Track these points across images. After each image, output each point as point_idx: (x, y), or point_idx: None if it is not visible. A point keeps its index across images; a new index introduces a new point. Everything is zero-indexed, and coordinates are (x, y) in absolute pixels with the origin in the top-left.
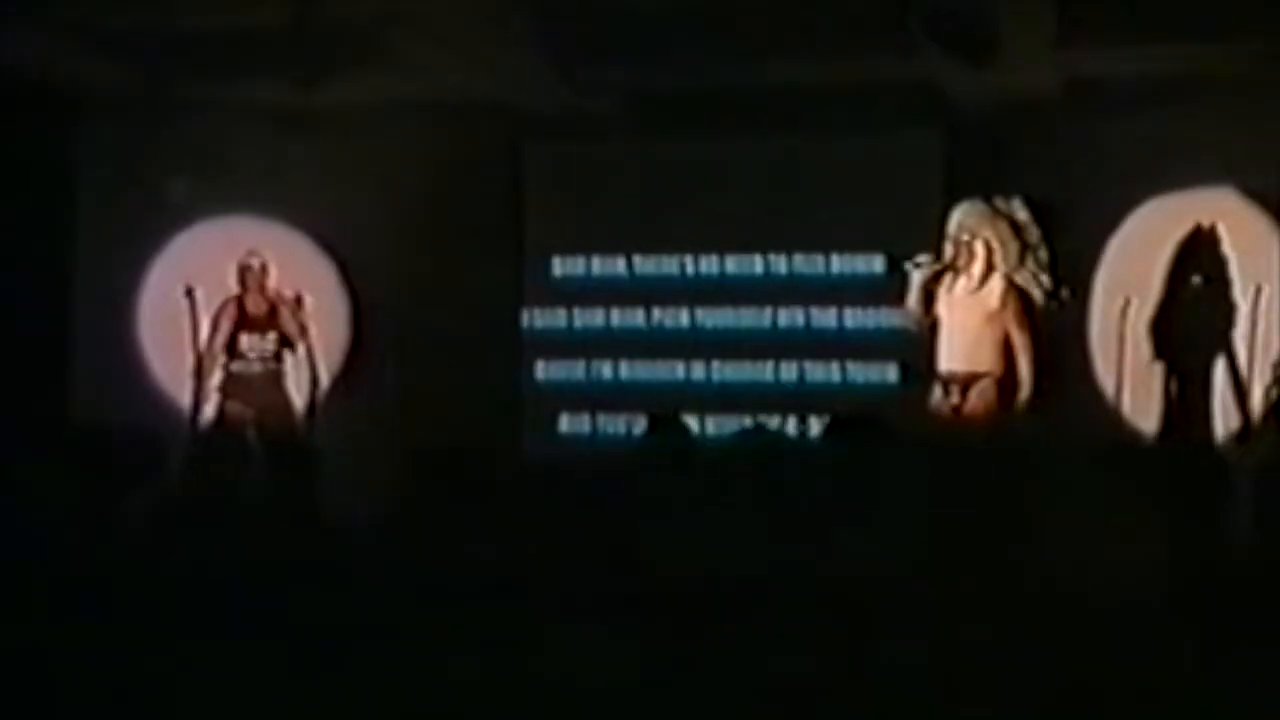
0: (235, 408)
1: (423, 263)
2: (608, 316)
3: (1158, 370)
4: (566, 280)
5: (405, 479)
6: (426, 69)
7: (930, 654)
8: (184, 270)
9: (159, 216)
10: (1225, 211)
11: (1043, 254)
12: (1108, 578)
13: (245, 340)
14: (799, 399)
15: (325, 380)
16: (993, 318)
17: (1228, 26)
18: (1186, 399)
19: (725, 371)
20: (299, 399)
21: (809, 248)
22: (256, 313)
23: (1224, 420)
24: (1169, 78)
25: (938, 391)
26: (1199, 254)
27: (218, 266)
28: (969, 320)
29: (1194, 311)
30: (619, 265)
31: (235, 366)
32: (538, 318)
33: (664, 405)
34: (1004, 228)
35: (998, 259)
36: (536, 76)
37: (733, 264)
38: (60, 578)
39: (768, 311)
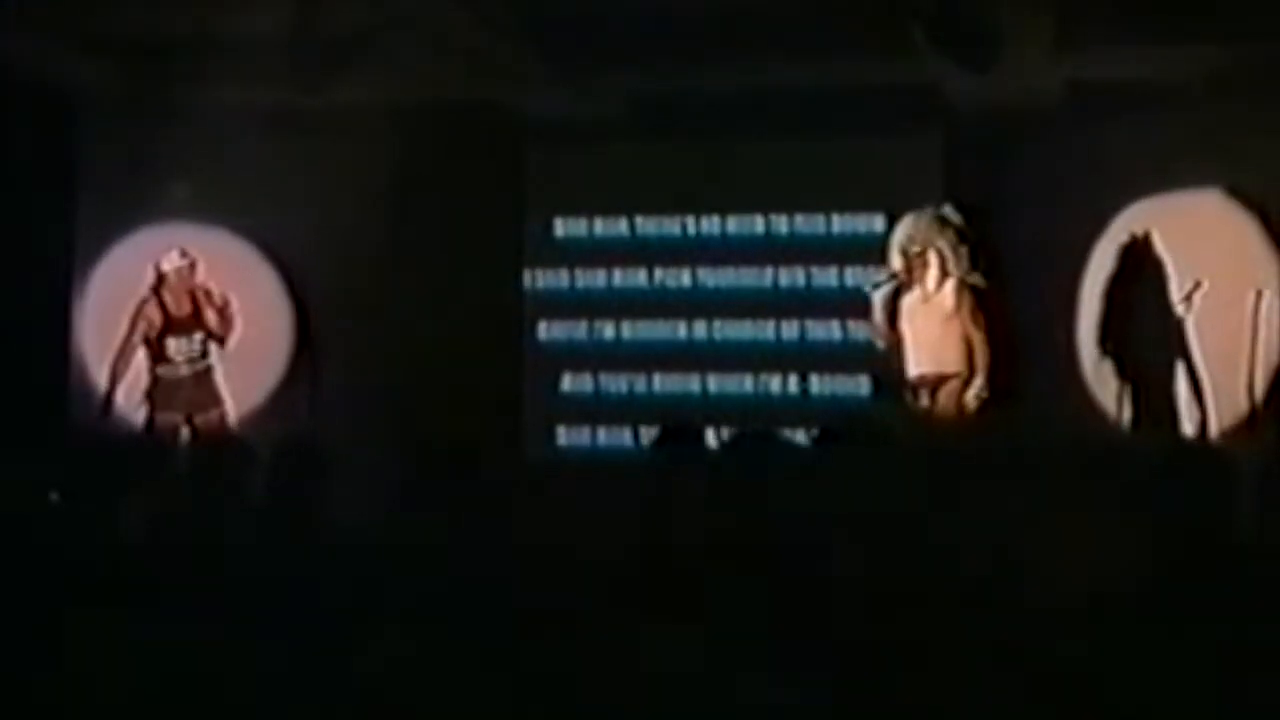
0: (165, 417)
1: (426, 228)
2: (610, 277)
3: (1110, 373)
4: (568, 241)
5: (409, 449)
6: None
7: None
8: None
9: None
10: (1219, 214)
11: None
12: (1091, 576)
13: (172, 344)
14: (800, 358)
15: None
16: (949, 319)
17: (1224, 30)
18: (1147, 402)
19: (726, 330)
20: (230, 397)
21: (810, 207)
22: (180, 314)
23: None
24: (1164, 81)
25: (908, 398)
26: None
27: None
28: (929, 325)
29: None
30: (621, 226)
31: (162, 371)
32: (540, 278)
33: (666, 365)
34: (951, 235)
35: (950, 266)
36: (540, 71)
37: (734, 224)
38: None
39: (769, 271)
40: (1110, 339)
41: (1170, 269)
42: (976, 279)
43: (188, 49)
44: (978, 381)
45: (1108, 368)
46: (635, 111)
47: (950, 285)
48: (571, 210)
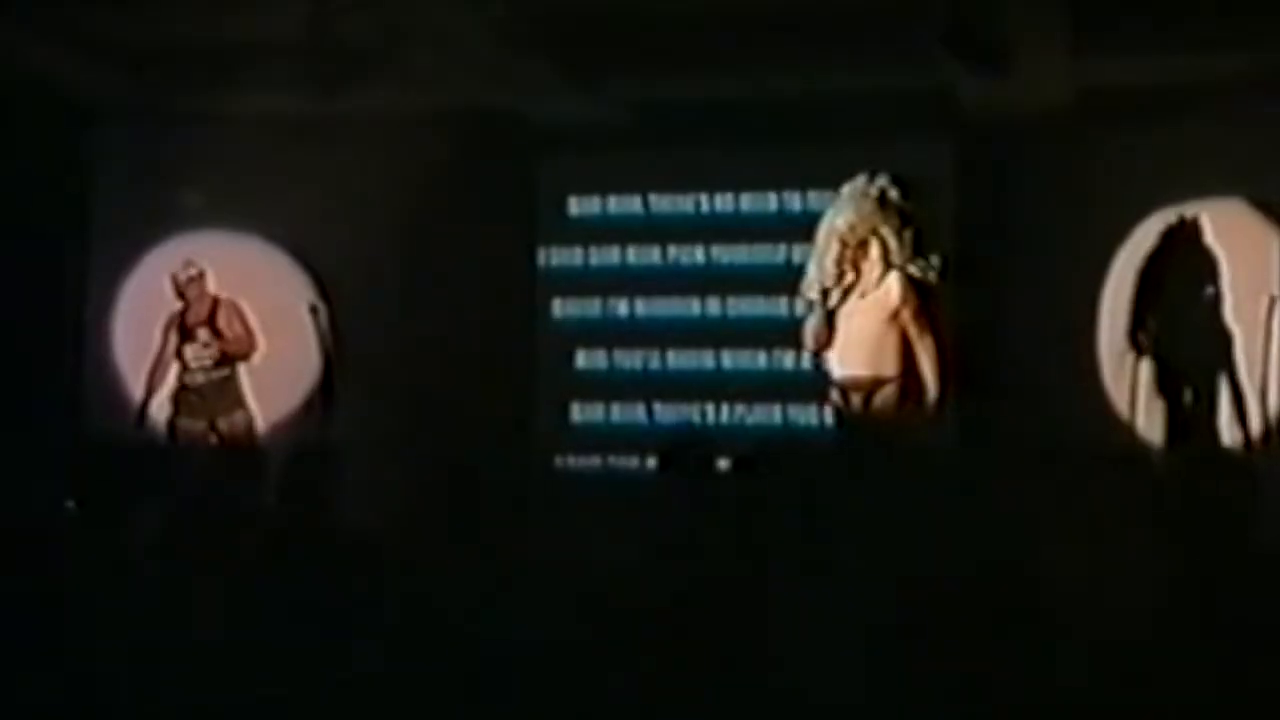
0: (185, 423)
1: (442, 224)
2: (624, 254)
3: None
4: (582, 219)
5: (426, 437)
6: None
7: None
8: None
9: (141, 227)
10: (1234, 222)
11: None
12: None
13: (189, 352)
14: None
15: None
16: (892, 318)
17: (1238, 37)
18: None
19: (740, 308)
20: (256, 404)
21: (822, 185)
22: (195, 322)
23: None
24: (1178, 88)
25: (835, 398)
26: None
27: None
28: (868, 323)
29: (1195, 319)
30: (634, 204)
31: (186, 379)
32: (554, 256)
33: (679, 342)
34: (895, 218)
35: (894, 256)
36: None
37: (747, 201)
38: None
39: (782, 248)
40: (1145, 337)
41: (1222, 264)
42: (919, 268)
43: (207, 57)
44: (930, 387)
45: (1141, 371)
46: (647, 118)
47: (893, 279)
48: (584, 190)
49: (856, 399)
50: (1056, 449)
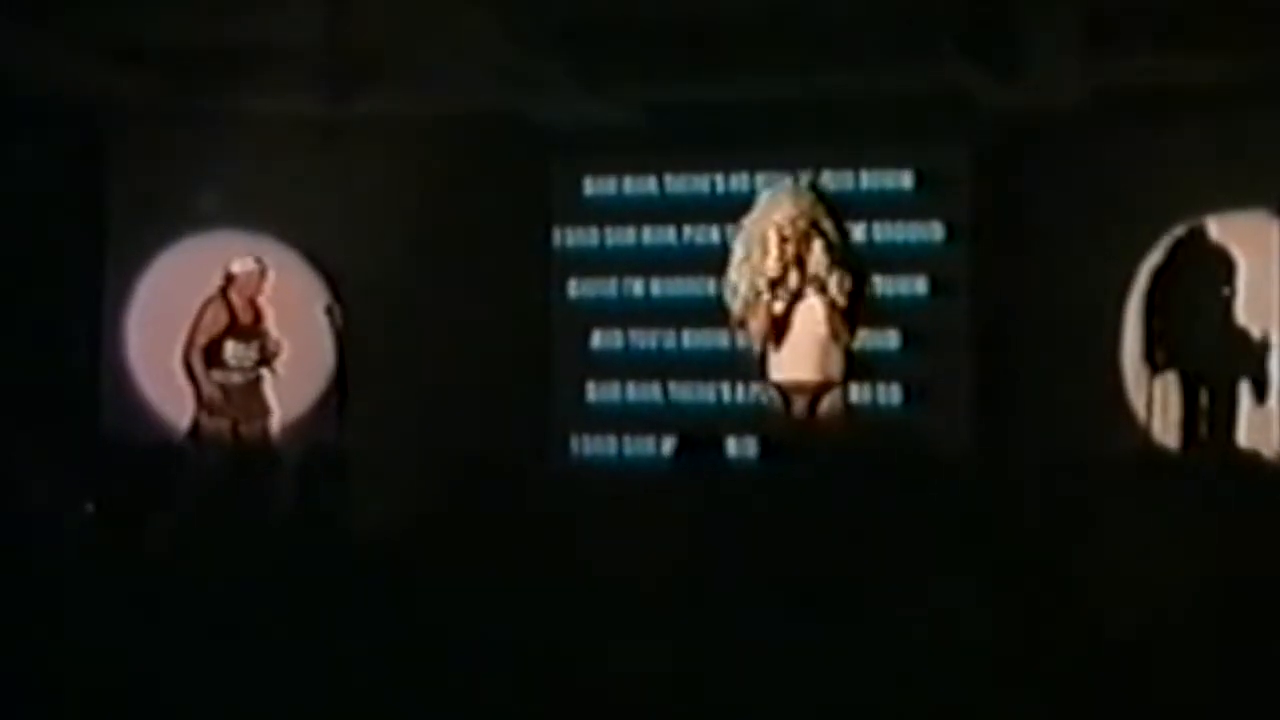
0: (211, 421)
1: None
2: (639, 234)
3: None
4: (598, 199)
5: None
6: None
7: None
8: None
9: (154, 227)
10: (1257, 234)
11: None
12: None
13: (230, 348)
14: None
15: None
16: (839, 318)
17: (1264, 40)
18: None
19: None
20: (278, 407)
21: (838, 163)
22: (245, 320)
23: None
24: (1202, 93)
25: (777, 402)
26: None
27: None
28: (815, 325)
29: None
30: (649, 184)
31: (216, 376)
32: (569, 236)
33: (694, 322)
34: (830, 212)
35: (839, 251)
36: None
37: (762, 180)
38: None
39: None
40: (1161, 352)
41: (1241, 269)
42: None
43: (222, 60)
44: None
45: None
46: (661, 121)
47: (840, 278)
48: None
49: (800, 403)
50: (1076, 458)
